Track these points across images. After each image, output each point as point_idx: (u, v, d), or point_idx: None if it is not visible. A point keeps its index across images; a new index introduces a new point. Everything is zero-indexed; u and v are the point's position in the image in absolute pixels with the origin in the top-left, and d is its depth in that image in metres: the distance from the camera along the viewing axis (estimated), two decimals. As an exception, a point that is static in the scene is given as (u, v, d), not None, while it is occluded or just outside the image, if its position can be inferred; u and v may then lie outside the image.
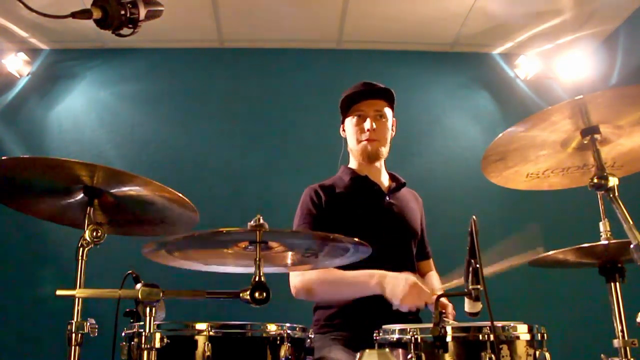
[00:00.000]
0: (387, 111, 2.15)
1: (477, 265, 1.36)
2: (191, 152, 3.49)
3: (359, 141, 2.12)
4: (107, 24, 1.17)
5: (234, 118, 3.57)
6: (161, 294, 1.23)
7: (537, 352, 1.36)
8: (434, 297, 1.76)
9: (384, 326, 1.48)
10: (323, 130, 2.79)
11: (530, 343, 1.37)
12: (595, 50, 3.65)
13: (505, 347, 1.32)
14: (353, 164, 2.21)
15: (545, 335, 1.40)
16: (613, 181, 1.33)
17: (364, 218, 2.04)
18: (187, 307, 2.91)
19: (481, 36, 3.60)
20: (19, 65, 3.48)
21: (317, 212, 2.04)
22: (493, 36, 3.61)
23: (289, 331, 1.45)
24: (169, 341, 1.27)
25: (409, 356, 1.33)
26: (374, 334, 1.49)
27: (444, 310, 1.81)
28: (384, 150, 2.16)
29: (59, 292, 1.24)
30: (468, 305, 1.41)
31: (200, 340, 1.37)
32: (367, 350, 1.19)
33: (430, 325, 1.32)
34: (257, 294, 1.24)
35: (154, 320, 1.24)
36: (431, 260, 2.26)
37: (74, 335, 1.33)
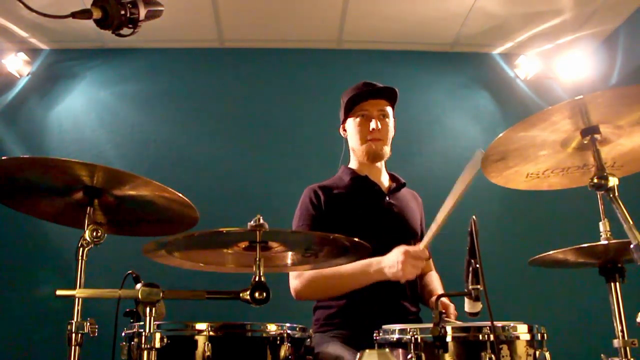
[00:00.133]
0: (390, 111, 2.16)
1: (477, 265, 1.36)
2: (191, 152, 3.49)
3: (363, 141, 2.12)
4: (107, 24, 1.17)
5: (234, 118, 3.57)
6: (161, 294, 1.23)
7: (537, 352, 1.36)
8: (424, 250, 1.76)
9: (384, 326, 1.48)
10: (323, 130, 2.79)
11: (530, 343, 1.37)
12: (595, 50, 3.65)
13: (505, 347, 1.32)
14: (353, 164, 2.21)
15: (545, 335, 1.40)
16: (613, 181, 1.33)
17: (363, 218, 2.04)
18: (187, 307, 2.93)
19: (481, 36, 3.60)
20: (19, 65, 3.48)
21: (317, 213, 2.04)
22: (493, 36, 3.61)
23: (289, 331, 1.45)
24: (169, 341, 1.27)
25: (409, 356, 1.33)
26: (374, 334, 1.49)
27: (444, 311, 1.81)
28: (387, 150, 2.16)
29: (59, 292, 1.24)
30: (468, 305, 1.42)
31: (200, 340, 1.37)
32: (367, 350, 1.19)
33: (430, 325, 1.32)
34: (257, 294, 1.24)
35: (154, 320, 1.24)
36: (431, 261, 2.26)
37: (74, 335, 1.33)
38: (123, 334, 1.50)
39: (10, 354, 3.05)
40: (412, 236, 2.13)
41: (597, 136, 1.38)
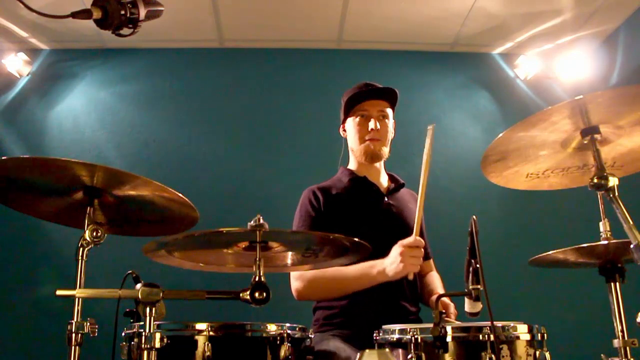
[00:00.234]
0: (389, 112, 2.16)
1: (477, 265, 1.36)
2: (191, 152, 3.49)
3: (362, 141, 2.12)
4: (107, 24, 1.17)
5: (234, 118, 3.57)
6: (161, 294, 1.23)
7: (537, 352, 1.36)
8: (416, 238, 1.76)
9: (384, 326, 1.48)
10: (323, 130, 2.80)
11: (530, 343, 1.37)
12: (595, 50, 3.65)
13: (505, 347, 1.32)
14: (352, 164, 2.21)
15: (545, 335, 1.40)
16: (613, 181, 1.33)
17: (362, 219, 2.04)
18: (187, 307, 2.92)
19: (481, 36, 3.60)
20: (19, 65, 3.48)
21: (316, 214, 2.04)
22: (493, 36, 3.61)
23: (289, 331, 1.45)
24: (169, 341, 1.27)
25: (409, 356, 1.33)
26: (374, 334, 1.49)
27: (444, 310, 1.81)
28: (386, 151, 2.16)
29: (59, 292, 1.24)
30: (468, 305, 1.42)
31: (200, 340, 1.37)
32: (367, 350, 1.19)
33: (431, 325, 1.32)
34: (257, 294, 1.24)
35: (154, 320, 1.24)
36: (432, 261, 2.26)
37: (74, 335, 1.33)
38: (123, 334, 1.50)
39: (10, 354, 3.05)
40: (411, 236, 2.13)
41: (597, 136, 1.38)
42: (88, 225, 1.40)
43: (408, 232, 2.11)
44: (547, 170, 1.57)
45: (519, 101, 3.70)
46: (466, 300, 1.42)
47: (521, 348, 1.35)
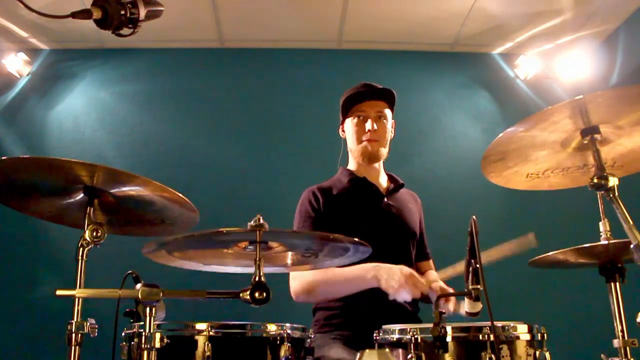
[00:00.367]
0: (388, 112, 2.16)
1: (477, 265, 1.36)
2: (191, 152, 3.49)
3: (359, 141, 2.12)
4: (107, 24, 1.17)
5: (234, 118, 3.58)
6: (161, 294, 1.23)
7: (537, 352, 1.36)
8: (433, 290, 1.77)
9: (384, 326, 1.48)
10: (323, 130, 2.79)
11: (530, 343, 1.37)
12: (595, 50, 3.65)
13: (505, 347, 1.32)
14: (352, 165, 2.21)
15: (545, 335, 1.40)
16: (613, 181, 1.33)
17: (362, 219, 2.04)
18: (187, 307, 2.93)
19: (481, 36, 3.60)
20: (19, 65, 3.48)
21: (316, 215, 2.04)
22: (493, 36, 3.61)
23: (289, 331, 1.45)
24: (169, 341, 1.27)
25: (409, 356, 1.33)
26: (374, 334, 1.49)
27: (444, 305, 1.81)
28: (384, 151, 2.16)
29: (59, 292, 1.24)
30: (468, 305, 1.41)
31: (200, 340, 1.37)
32: (367, 350, 1.19)
33: (430, 325, 1.32)
34: (257, 294, 1.24)
35: (154, 320, 1.24)
36: (431, 261, 2.26)
37: (74, 335, 1.33)
38: (123, 334, 1.49)
39: (10, 354, 3.05)
40: (410, 237, 2.13)
41: (597, 136, 1.38)
42: (88, 225, 1.40)
43: (407, 233, 2.12)
44: (547, 170, 1.57)
45: (519, 101, 3.71)
46: (466, 300, 1.42)
47: (521, 348, 1.35)
